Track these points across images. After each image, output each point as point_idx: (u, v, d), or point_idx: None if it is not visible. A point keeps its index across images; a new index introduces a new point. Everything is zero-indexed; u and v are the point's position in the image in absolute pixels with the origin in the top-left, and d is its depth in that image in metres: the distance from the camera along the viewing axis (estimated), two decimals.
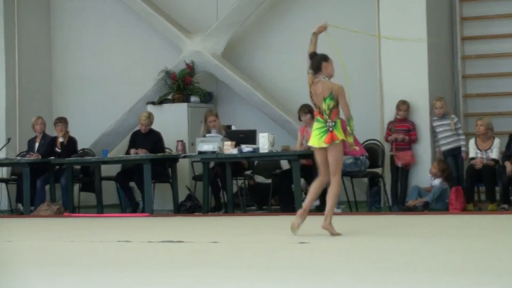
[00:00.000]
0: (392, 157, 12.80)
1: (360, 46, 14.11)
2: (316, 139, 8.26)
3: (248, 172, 13.69)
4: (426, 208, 11.92)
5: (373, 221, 11.14)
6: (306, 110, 12.67)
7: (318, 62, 8.44)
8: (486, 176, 11.99)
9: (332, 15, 14.13)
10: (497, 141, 12.21)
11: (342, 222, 10.74)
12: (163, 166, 13.73)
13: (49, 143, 14.15)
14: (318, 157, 8.41)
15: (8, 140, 14.90)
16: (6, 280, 6.00)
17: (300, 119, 13.09)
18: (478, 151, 12.20)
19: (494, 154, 12.09)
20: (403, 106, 12.61)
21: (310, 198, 8.54)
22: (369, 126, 13.36)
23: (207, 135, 13.42)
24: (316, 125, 8.33)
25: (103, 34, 16.23)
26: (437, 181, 12.33)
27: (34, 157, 13.95)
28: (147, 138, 13.71)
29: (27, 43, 16.46)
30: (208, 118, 13.63)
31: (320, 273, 6.05)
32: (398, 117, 12.70)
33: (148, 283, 5.87)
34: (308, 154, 12.22)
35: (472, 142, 12.36)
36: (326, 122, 8.20)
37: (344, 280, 5.61)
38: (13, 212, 14.81)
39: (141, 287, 5.64)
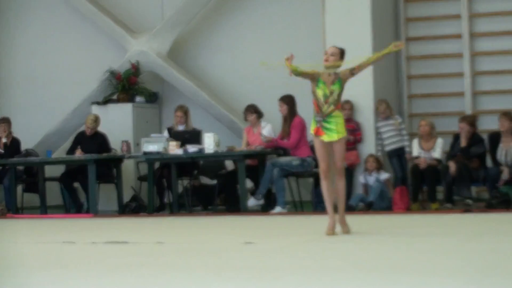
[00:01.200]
0: None
1: (305, 45, 13.95)
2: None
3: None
4: (370, 207, 11.96)
5: (318, 220, 10.76)
6: (252, 111, 12.78)
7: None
8: (429, 176, 12.09)
9: (278, 16, 14.41)
10: (439, 140, 12.29)
11: (287, 222, 10.92)
12: (108, 167, 13.65)
13: None
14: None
15: None
16: None
17: (246, 119, 13.13)
18: (422, 151, 12.23)
19: (437, 153, 12.20)
20: (347, 105, 12.54)
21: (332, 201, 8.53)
22: None
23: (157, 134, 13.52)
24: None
25: (48, 33, 16.09)
26: (372, 178, 12.32)
27: None
28: (92, 140, 13.64)
29: None
30: (175, 112, 13.59)
31: (268, 273, 6.00)
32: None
33: (93, 284, 5.80)
34: (253, 154, 12.76)
35: (415, 142, 12.44)
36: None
37: (291, 280, 5.55)
38: None
39: None
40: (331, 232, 8.17)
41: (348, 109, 12.70)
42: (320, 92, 8.17)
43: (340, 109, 8.49)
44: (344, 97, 12.84)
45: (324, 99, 8.18)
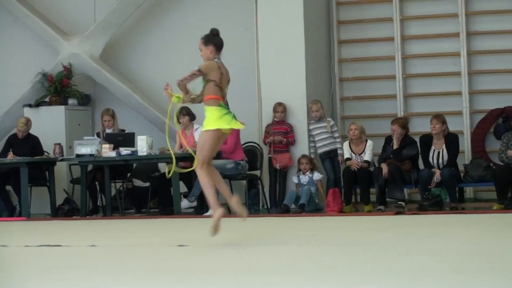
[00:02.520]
0: (270, 159, 12.92)
1: (239, 49, 13.80)
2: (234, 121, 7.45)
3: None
4: (302, 209, 11.96)
5: (252, 223, 10.72)
6: (185, 113, 12.72)
7: (221, 41, 7.85)
8: (361, 179, 12.18)
9: (211, 17, 14.17)
10: (369, 143, 12.40)
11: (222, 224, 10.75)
12: (40, 170, 13.53)
13: None
14: (219, 142, 7.74)
15: None
16: None
17: (178, 122, 12.67)
18: (353, 154, 12.31)
19: (367, 156, 12.28)
20: (280, 107, 12.72)
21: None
22: (249, 129, 12.49)
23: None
24: (223, 110, 7.47)
25: None
26: (305, 178, 12.32)
27: None
28: (25, 143, 13.48)
29: None
30: (103, 117, 13.54)
31: (200, 275, 5.88)
32: (275, 119, 12.79)
33: (25, 286, 5.65)
34: (187, 157, 12.22)
35: (346, 145, 12.51)
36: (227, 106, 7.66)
37: (223, 282, 5.47)
38: None
39: None
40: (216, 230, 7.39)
41: (281, 111, 12.84)
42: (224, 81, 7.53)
43: None
44: (277, 99, 13.19)
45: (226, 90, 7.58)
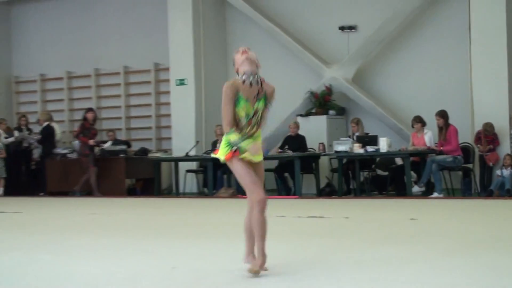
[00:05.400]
0: (481, 156, 13.14)
1: (450, 61, 14.56)
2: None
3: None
4: (508, 193, 12.28)
5: (467, 203, 11.30)
6: (418, 120, 13.32)
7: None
8: None
9: (432, 52, 14.77)
10: None
11: (443, 204, 11.21)
12: (309, 162, 14.23)
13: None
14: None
15: (197, 142, 15.70)
16: None
17: (412, 127, 13.60)
18: None
19: None
20: (489, 127, 12.96)
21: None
22: (462, 133, 13.47)
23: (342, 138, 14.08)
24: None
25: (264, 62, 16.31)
26: (507, 172, 12.54)
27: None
28: (295, 140, 14.38)
29: None
30: (351, 123, 14.30)
31: (430, 238, 6.69)
32: (486, 133, 13.03)
33: (297, 247, 6.10)
34: (417, 153, 13.18)
35: None
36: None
37: (446, 244, 6.25)
38: (200, 194, 15.57)
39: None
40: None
41: (489, 127, 12.92)
42: (242, 112, 4.95)
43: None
44: (487, 114, 13.07)
45: (247, 120, 5.01)
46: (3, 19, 19.27)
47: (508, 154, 12.63)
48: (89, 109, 15.87)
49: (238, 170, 4.93)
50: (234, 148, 4.86)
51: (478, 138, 13.14)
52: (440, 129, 13.07)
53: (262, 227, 4.84)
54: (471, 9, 13.47)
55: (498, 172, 12.64)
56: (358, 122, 14.12)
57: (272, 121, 15.39)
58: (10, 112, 19.05)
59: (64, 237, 7.70)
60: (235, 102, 4.86)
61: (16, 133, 16.91)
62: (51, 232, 8.31)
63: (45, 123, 16.56)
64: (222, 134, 13.45)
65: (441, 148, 12.88)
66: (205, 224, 8.93)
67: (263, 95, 4.93)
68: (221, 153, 4.97)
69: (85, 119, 15.53)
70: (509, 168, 12.45)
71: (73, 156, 16.32)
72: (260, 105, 4.92)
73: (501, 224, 7.95)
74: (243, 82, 4.86)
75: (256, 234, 4.86)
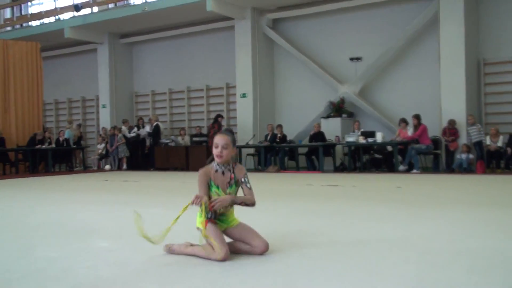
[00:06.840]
0: (446, 145, 12.44)
1: (426, 80, 13.59)
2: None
3: None
4: (464, 170, 11.49)
5: (436, 180, 9.96)
6: (403, 120, 12.58)
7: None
8: (495, 155, 11.56)
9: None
10: (501, 137, 11.67)
11: (418, 177, 10.36)
12: (328, 148, 13.40)
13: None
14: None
15: (253, 135, 15.38)
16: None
17: (399, 125, 12.84)
18: (491, 142, 11.69)
19: (499, 143, 11.61)
20: (451, 122, 12.29)
21: None
22: (433, 129, 13.06)
23: None
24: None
25: None
26: (464, 156, 11.84)
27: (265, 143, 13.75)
28: (318, 135, 13.51)
29: None
30: (354, 123, 13.47)
31: (413, 206, 5.99)
32: (448, 127, 12.33)
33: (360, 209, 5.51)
34: (402, 143, 12.34)
35: (488, 137, 11.82)
36: None
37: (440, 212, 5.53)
38: (255, 170, 14.63)
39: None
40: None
41: (453, 124, 12.23)
42: (215, 195, 3.45)
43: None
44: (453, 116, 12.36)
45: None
46: (127, 54, 19.32)
47: (465, 144, 12.21)
48: (220, 116, 15.40)
49: (211, 232, 3.35)
50: (209, 215, 3.36)
51: (444, 132, 12.73)
52: (415, 127, 12.75)
53: (200, 253, 3.37)
54: (441, 45, 13.02)
55: (458, 156, 12.27)
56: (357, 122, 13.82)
57: (303, 121, 15.55)
58: (131, 116, 19.11)
59: (168, 197, 7.48)
60: (209, 186, 3.43)
61: (135, 129, 16.67)
62: (159, 193, 8.08)
63: (155, 123, 16.29)
64: (272, 130, 14.06)
65: (417, 138, 12.42)
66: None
67: (234, 181, 3.46)
68: (198, 223, 3.44)
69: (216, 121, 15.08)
70: (465, 153, 12.06)
71: (172, 144, 15.97)
72: (231, 190, 3.46)
73: (460, 191, 7.70)
74: (216, 171, 3.46)
75: (196, 250, 3.41)
